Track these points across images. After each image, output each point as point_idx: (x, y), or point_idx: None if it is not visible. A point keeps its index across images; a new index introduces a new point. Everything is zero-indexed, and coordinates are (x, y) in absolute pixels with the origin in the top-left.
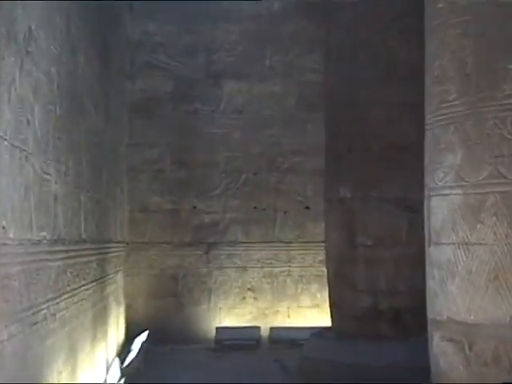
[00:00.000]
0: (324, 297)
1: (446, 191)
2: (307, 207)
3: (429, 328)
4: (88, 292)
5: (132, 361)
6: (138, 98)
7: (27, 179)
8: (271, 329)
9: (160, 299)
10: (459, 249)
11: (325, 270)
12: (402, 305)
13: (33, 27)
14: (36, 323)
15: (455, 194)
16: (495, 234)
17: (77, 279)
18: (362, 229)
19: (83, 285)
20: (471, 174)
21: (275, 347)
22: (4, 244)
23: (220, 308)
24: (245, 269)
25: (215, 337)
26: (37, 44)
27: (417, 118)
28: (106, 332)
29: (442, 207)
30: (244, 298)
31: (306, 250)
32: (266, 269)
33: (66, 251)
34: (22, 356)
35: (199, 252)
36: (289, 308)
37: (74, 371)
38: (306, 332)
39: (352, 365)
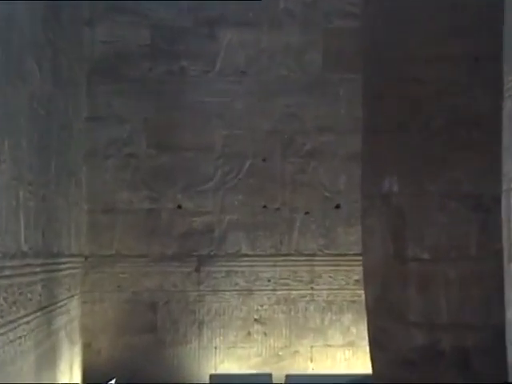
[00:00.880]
0: (361, 332)
1: None
2: (338, 206)
3: (510, 377)
4: (29, 326)
5: None
6: (101, 53)
7: None
8: (287, 377)
9: (132, 336)
10: None
11: (362, 293)
12: (471, 344)
13: None
14: None
15: None
16: None
17: (13, 308)
18: (416, 236)
19: (23, 316)
20: None
21: None
22: None
23: (216, 348)
24: (250, 292)
25: None
26: None
27: (493, 81)
28: (54, 381)
29: None
30: (249, 333)
31: (335, 265)
32: (279, 292)
33: None
34: None
35: (187, 269)
36: (312, 347)
37: None
38: (337, 381)
39: None
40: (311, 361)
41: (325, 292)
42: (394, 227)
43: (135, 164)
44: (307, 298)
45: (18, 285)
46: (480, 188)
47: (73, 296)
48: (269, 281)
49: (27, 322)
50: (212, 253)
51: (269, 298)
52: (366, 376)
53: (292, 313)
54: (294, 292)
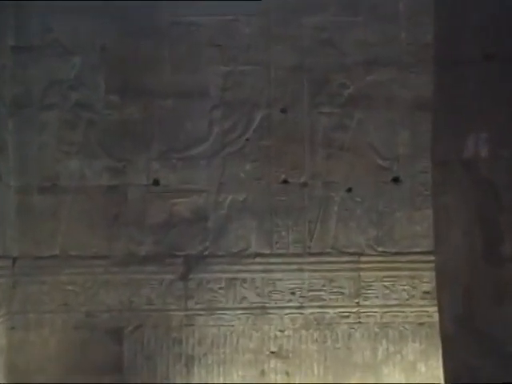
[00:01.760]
0: (433, 370)
1: None
2: (396, 180)
3: None
4: None
5: None
6: None
7: None
8: None
9: (86, 378)
10: None
11: (435, 312)
12: None
13: None
14: None
15: None
16: None
17: None
18: None
19: None
20: None
21: None
22: None
23: None
24: (265, 311)
25: None
26: None
27: None
28: None
29: None
30: (263, 372)
31: (393, 270)
32: (309, 311)
33: None
34: None
35: (168, 276)
36: None
37: None
38: None
39: None
40: None
41: (378, 310)
42: (483, 210)
43: (88, 118)
44: (351, 320)
45: None
46: None
47: None
48: (293, 294)
49: None
50: (206, 252)
51: (293, 320)
52: None
53: (328, 342)
54: (330, 311)
